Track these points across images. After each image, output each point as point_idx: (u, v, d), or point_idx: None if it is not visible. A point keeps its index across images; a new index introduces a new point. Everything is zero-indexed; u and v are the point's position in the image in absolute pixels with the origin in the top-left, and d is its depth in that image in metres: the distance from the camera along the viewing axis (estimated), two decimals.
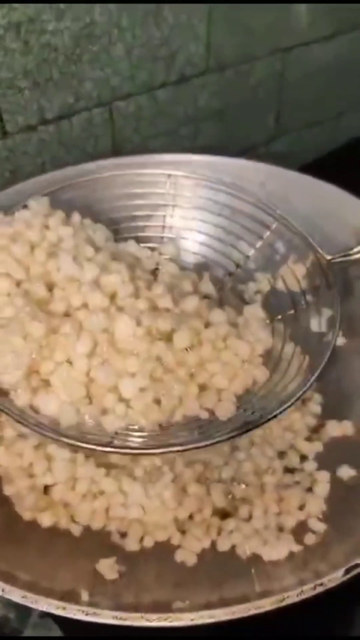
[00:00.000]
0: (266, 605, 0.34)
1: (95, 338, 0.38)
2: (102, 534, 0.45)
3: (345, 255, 0.47)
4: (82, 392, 0.38)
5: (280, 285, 0.49)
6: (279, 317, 0.47)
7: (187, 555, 0.43)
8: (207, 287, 0.47)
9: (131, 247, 0.49)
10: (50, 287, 0.40)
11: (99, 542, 0.44)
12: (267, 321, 0.45)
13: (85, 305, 0.39)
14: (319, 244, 0.50)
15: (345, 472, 0.47)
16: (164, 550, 0.44)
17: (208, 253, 0.51)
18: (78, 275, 0.40)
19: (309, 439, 0.51)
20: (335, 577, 0.34)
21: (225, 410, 0.40)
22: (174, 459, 0.47)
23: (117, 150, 0.67)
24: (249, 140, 0.85)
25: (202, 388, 0.40)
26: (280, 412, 0.39)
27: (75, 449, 0.48)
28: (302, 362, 0.43)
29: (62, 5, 0.57)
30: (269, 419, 0.38)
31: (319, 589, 0.34)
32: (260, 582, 0.39)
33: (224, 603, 0.35)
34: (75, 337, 0.37)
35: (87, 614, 0.34)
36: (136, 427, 0.39)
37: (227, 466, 0.48)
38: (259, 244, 0.49)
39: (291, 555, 0.41)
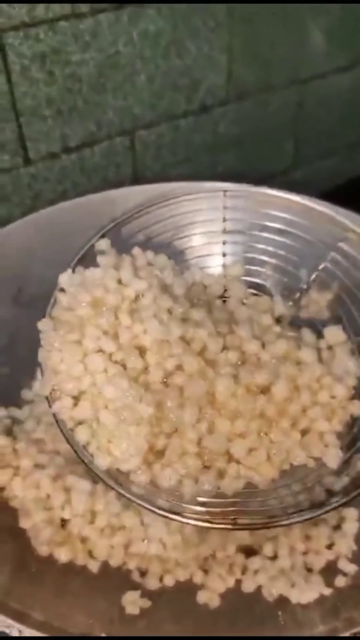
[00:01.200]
0: None
1: (198, 403, 0.38)
2: (121, 572, 0.43)
3: None
4: (196, 463, 0.38)
5: (355, 301, 0.47)
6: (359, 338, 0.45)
7: (209, 597, 0.41)
8: (280, 308, 0.47)
9: (196, 274, 0.49)
10: (141, 350, 0.39)
11: (117, 580, 0.43)
12: (350, 344, 0.44)
13: (179, 367, 0.39)
14: None
15: None
16: (186, 590, 0.42)
17: (269, 271, 0.50)
18: (166, 336, 0.39)
19: (335, 474, 0.49)
20: None
21: (333, 457, 0.40)
22: None
23: (138, 178, 0.68)
24: (267, 168, 0.85)
25: (304, 432, 0.40)
26: None
27: (96, 479, 0.47)
28: None
29: (87, 37, 0.58)
30: None
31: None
32: (288, 629, 0.37)
33: None
34: (180, 408, 0.37)
35: None
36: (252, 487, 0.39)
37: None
38: (329, 256, 0.47)
39: (321, 598, 0.39)
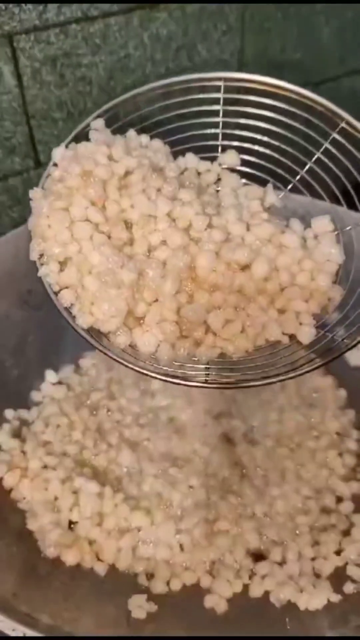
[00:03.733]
0: None
1: (179, 277, 0.39)
2: (128, 575, 0.43)
3: None
4: (175, 329, 0.39)
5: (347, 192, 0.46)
6: (349, 227, 0.44)
7: (217, 601, 0.41)
8: (271, 197, 0.46)
9: (190, 160, 0.48)
10: (127, 225, 0.41)
11: (124, 583, 0.42)
12: (336, 233, 0.44)
13: (164, 242, 0.40)
14: None
15: None
16: (193, 594, 0.42)
17: (267, 161, 0.48)
18: (153, 211, 0.41)
19: (345, 479, 0.49)
20: None
21: (306, 334, 0.40)
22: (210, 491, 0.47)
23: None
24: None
25: (281, 312, 0.41)
26: None
27: (102, 481, 0.47)
28: None
29: (97, 40, 0.58)
30: (355, 344, 0.38)
31: None
32: (296, 634, 0.36)
33: None
34: (161, 278, 0.39)
35: None
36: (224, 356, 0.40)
37: (260, 503, 0.46)
38: (322, 147, 0.47)
39: (329, 605, 0.38)
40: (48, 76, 0.57)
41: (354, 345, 0.38)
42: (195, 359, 0.39)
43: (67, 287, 0.39)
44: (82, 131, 0.46)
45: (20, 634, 0.34)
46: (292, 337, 0.40)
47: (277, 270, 0.41)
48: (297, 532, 0.45)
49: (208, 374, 0.39)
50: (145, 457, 0.50)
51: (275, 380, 0.38)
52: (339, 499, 0.48)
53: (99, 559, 0.44)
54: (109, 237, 0.40)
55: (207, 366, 0.39)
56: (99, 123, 0.45)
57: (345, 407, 0.54)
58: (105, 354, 0.38)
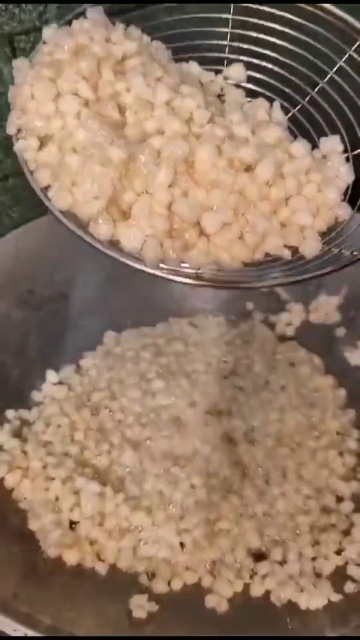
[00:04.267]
0: None
1: (175, 168, 0.35)
2: (129, 575, 0.43)
3: None
4: (164, 224, 0.34)
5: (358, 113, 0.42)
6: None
7: (217, 601, 0.41)
8: (278, 115, 0.41)
9: (193, 68, 0.43)
10: (121, 110, 0.36)
11: (125, 583, 0.43)
12: (346, 154, 0.40)
13: (160, 132, 0.36)
14: None
15: None
16: (194, 594, 0.42)
17: (276, 80, 0.44)
18: (150, 97, 0.36)
19: (345, 478, 0.49)
20: None
21: (311, 247, 0.36)
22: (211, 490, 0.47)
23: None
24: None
25: (284, 225, 0.37)
26: None
27: (103, 481, 0.48)
28: None
29: None
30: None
31: None
32: (296, 634, 0.36)
33: None
34: (154, 166, 0.34)
35: None
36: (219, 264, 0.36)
37: (260, 502, 0.46)
38: (337, 66, 0.42)
39: (330, 604, 0.38)
40: None
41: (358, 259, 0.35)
42: (185, 264, 0.35)
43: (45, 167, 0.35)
44: (77, 17, 0.40)
45: (22, 634, 0.34)
46: (294, 253, 0.36)
47: (282, 177, 0.37)
48: (298, 531, 0.45)
49: (199, 273, 0.35)
50: (147, 457, 0.50)
51: (273, 283, 0.35)
52: (340, 499, 0.48)
53: (100, 559, 0.44)
54: (99, 116, 0.35)
55: (198, 271, 0.35)
56: (98, 8, 0.40)
57: (345, 406, 0.54)
58: (84, 240, 0.34)
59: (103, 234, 0.34)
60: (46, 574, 0.42)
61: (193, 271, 0.34)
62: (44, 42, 0.38)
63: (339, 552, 0.43)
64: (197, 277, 0.34)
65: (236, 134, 0.38)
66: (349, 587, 0.40)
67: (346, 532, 0.45)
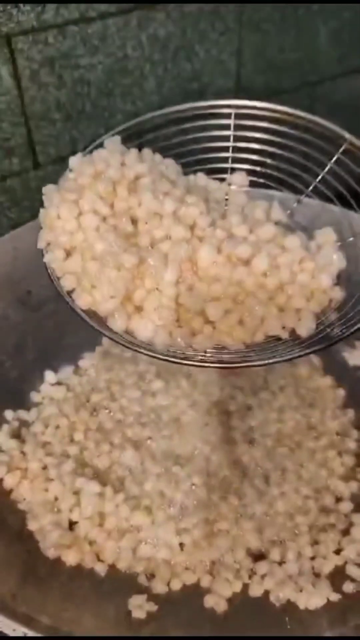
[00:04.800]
0: None
1: (180, 267, 0.40)
2: (128, 575, 0.43)
3: None
4: (172, 316, 0.40)
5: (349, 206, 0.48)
6: (351, 238, 0.46)
7: (216, 601, 0.41)
8: (277, 213, 0.48)
9: (201, 179, 0.50)
10: (134, 222, 0.42)
11: (125, 583, 0.43)
12: (339, 243, 0.45)
13: (167, 237, 0.42)
14: None
15: None
16: (193, 593, 0.42)
17: (275, 182, 0.51)
18: (159, 209, 0.42)
19: (344, 478, 0.49)
20: None
21: (305, 327, 0.40)
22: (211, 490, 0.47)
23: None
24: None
25: (282, 309, 0.42)
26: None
27: (103, 481, 0.48)
28: None
29: (95, 41, 0.58)
30: (352, 332, 0.39)
31: None
32: (295, 633, 0.36)
33: None
34: (162, 266, 0.40)
35: None
36: (221, 347, 0.40)
37: (260, 502, 0.46)
38: (327, 167, 0.49)
39: (329, 604, 0.38)
40: (46, 77, 0.57)
41: (346, 336, 0.39)
42: (192, 349, 0.39)
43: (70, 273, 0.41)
44: (96, 147, 0.48)
45: (21, 634, 0.34)
46: (290, 334, 0.41)
47: (277, 267, 0.42)
48: (297, 531, 0.45)
49: (205, 356, 0.39)
50: (148, 456, 0.50)
51: (272, 361, 0.38)
52: (339, 499, 0.48)
53: (99, 559, 0.44)
54: (115, 229, 0.41)
55: (205, 354, 0.39)
56: (115, 138, 0.47)
57: (344, 406, 0.54)
58: (102, 333, 0.39)
59: (119, 327, 0.39)
60: (45, 574, 0.42)
61: (200, 354, 0.39)
62: (70, 170, 0.44)
63: (338, 552, 0.43)
64: (202, 360, 0.38)
65: (235, 234, 0.43)
66: (348, 586, 0.40)
67: (345, 532, 0.45)
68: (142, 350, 0.38)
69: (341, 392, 0.55)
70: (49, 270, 0.41)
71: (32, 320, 0.55)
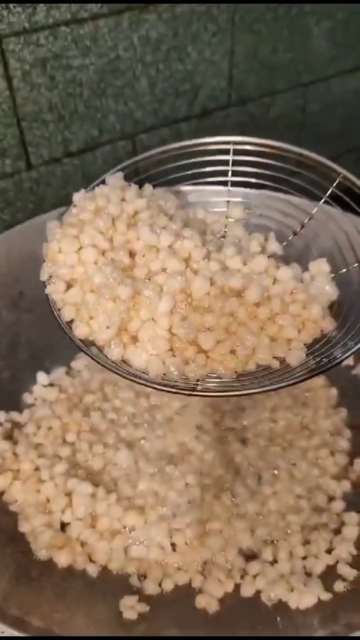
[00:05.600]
0: None
1: (174, 298, 0.42)
2: (120, 576, 0.43)
3: None
4: (166, 345, 0.41)
5: (343, 239, 0.50)
6: (344, 270, 0.47)
7: (208, 601, 0.41)
8: (273, 246, 0.49)
9: (199, 212, 0.52)
10: (132, 255, 0.44)
11: (117, 584, 0.43)
12: (332, 275, 0.46)
13: (163, 270, 0.43)
14: None
15: None
16: (185, 594, 0.42)
17: (272, 214, 0.53)
18: (155, 242, 0.43)
19: (336, 477, 0.49)
20: None
21: (296, 357, 0.41)
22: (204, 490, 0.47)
23: (141, 181, 0.68)
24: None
25: (273, 339, 0.43)
26: (346, 357, 0.40)
27: (96, 482, 0.48)
28: None
29: (87, 42, 0.58)
30: (336, 364, 0.40)
31: None
32: (286, 631, 0.36)
33: None
34: (157, 298, 0.41)
35: None
36: (215, 375, 0.41)
37: (252, 501, 0.46)
38: (322, 200, 0.51)
39: (320, 603, 0.39)
40: (38, 78, 0.57)
41: (332, 366, 0.40)
42: (185, 377, 0.40)
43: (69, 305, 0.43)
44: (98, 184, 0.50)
45: (9, 635, 0.34)
46: (281, 362, 0.42)
47: (269, 298, 0.43)
48: (289, 531, 0.45)
49: (197, 383, 0.40)
50: (141, 456, 0.50)
51: (260, 390, 0.39)
52: (331, 498, 0.48)
53: (91, 560, 0.44)
54: (112, 262, 0.43)
55: (197, 382, 0.40)
56: (118, 175, 0.50)
57: (337, 405, 0.55)
58: (98, 362, 0.40)
59: (115, 356, 0.40)
60: (37, 575, 0.42)
61: (193, 383, 0.40)
62: (74, 205, 0.46)
63: (329, 551, 0.43)
64: (193, 389, 0.40)
65: (229, 266, 0.44)
66: (339, 586, 0.40)
67: (337, 531, 0.45)
68: (137, 380, 0.40)
69: (334, 392, 0.55)
70: (50, 302, 0.43)
71: (24, 321, 0.55)
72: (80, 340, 0.41)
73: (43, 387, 0.55)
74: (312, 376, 0.40)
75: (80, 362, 0.58)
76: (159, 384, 0.39)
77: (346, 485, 0.48)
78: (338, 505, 0.47)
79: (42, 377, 0.56)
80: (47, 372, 0.56)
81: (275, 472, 0.49)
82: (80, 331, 0.41)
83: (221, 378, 0.41)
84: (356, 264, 0.47)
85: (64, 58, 0.58)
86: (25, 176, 0.62)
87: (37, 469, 0.48)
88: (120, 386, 0.56)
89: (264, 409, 0.54)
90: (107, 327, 0.41)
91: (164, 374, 0.40)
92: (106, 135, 0.66)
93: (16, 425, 0.52)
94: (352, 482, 0.48)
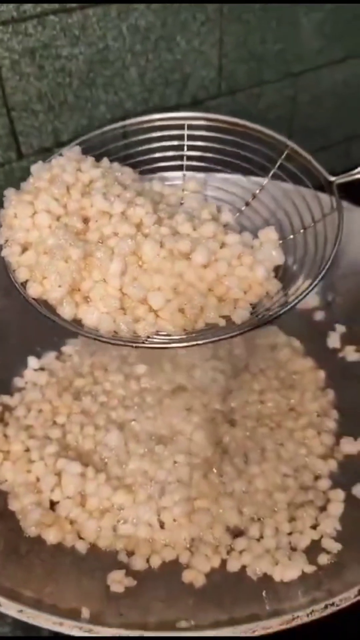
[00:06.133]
0: (274, 625, 0.32)
1: (125, 260, 0.44)
2: (108, 553, 0.44)
3: (347, 176, 0.52)
4: (116, 304, 0.43)
5: (290, 208, 0.53)
6: (291, 237, 0.51)
7: (195, 576, 0.42)
8: (226, 216, 0.52)
9: (156, 185, 0.55)
10: (85, 221, 0.46)
11: (105, 560, 0.43)
12: (280, 241, 0.50)
13: (115, 234, 0.45)
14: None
15: None
16: (172, 570, 0.43)
17: (227, 187, 0.56)
18: (108, 209, 0.46)
19: (323, 457, 0.50)
20: (347, 597, 0.32)
21: (240, 315, 0.44)
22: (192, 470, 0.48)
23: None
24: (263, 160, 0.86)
25: (221, 300, 0.46)
26: (283, 312, 0.44)
27: (85, 462, 0.48)
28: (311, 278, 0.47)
29: (76, 31, 0.59)
30: (275, 318, 0.44)
31: (330, 609, 0.32)
32: (270, 603, 0.37)
33: (231, 623, 0.33)
34: (108, 260, 0.44)
35: (82, 630, 0.32)
36: (165, 333, 0.44)
37: (240, 480, 0.47)
38: (271, 172, 0.54)
39: (304, 575, 0.39)
40: (27, 68, 0.58)
41: (274, 318, 0.44)
42: (136, 335, 0.43)
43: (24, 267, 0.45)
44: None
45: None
46: (227, 320, 0.44)
47: (217, 261, 0.46)
48: (275, 508, 0.46)
49: (147, 340, 0.43)
50: (131, 437, 0.51)
51: (201, 342, 0.42)
52: (317, 477, 0.48)
53: (80, 538, 0.45)
54: (66, 226, 0.45)
55: (147, 338, 0.43)
56: (75, 148, 0.52)
57: (324, 387, 0.55)
58: (51, 319, 0.43)
59: (67, 314, 0.43)
60: (26, 552, 0.43)
61: (142, 339, 0.43)
62: (31, 174, 0.49)
63: (314, 527, 0.44)
64: (142, 342, 0.43)
65: (179, 231, 0.47)
66: (323, 558, 0.41)
67: (322, 509, 0.45)
68: (89, 335, 0.42)
69: (321, 374, 0.56)
70: (6, 264, 0.45)
71: (14, 307, 0.55)
72: (34, 299, 0.44)
73: (34, 371, 0.56)
74: (252, 329, 0.43)
75: (70, 347, 0.59)
76: (109, 338, 0.42)
77: (332, 464, 0.49)
78: (324, 483, 0.47)
79: (32, 361, 0.56)
80: (38, 356, 0.57)
81: (263, 452, 0.50)
82: (33, 290, 0.43)
83: (170, 335, 0.43)
84: (302, 230, 0.51)
85: (52, 47, 0.59)
86: (17, 166, 0.63)
87: (27, 450, 0.49)
88: (110, 370, 0.57)
89: (252, 391, 0.55)
90: (59, 286, 0.43)
91: (115, 332, 0.43)
92: (96, 125, 0.66)
93: (7, 408, 0.53)
94: (338, 461, 0.49)
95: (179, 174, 0.57)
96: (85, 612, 0.36)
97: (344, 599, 0.32)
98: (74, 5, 0.57)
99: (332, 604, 0.32)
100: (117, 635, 0.32)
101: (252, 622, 0.32)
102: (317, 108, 0.87)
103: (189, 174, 0.57)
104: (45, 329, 0.57)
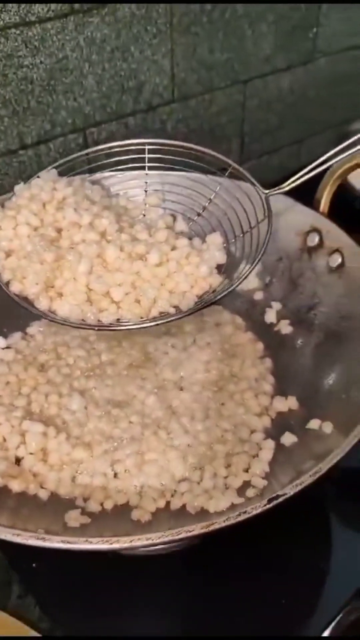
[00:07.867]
0: (196, 529, 0.38)
1: (91, 261, 0.55)
2: (67, 499, 0.50)
3: (277, 190, 0.62)
4: (84, 297, 0.54)
5: (233, 216, 0.63)
6: (233, 240, 0.61)
7: (142, 514, 0.48)
8: (181, 225, 0.64)
9: (122, 200, 0.66)
10: (59, 231, 0.57)
11: (64, 505, 0.49)
12: (224, 244, 0.60)
13: (84, 241, 0.56)
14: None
15: (288, 438, 0.52)
16: (122, 510, 0.49)
17: (182, 201, 0.66)
18: (78, 220, 0.57)
19: (259, 415, 0.56)
20: (257, 506, 0.39)
21: (186, 304, 0.56)
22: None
23: (92, 170, 0.75)
24: (215, 165, 0.92)
25: (172, 292, 0.57)
26: (222, 295, 0.55)
27: (47, 424, 0.54)
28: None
29: (36, 43, 0.65)
30: (210, 303, 0.55)
31: (243, 516, 0.38)
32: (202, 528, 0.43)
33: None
34: (77, 261, 0.54)
35: (37, 539, 0.38)
36: (125, 320, 0.55)
37: (185, 435, 0.53)
38: (217, 188, 0.65)
39: (232, 506, 0.45)
40: None
41: (207, 305, 0.55)
42: (100, 322, 0.54)
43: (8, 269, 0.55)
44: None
45: None
46: (177, 309, 0.55)
47: (168, 261, 0.57)
48: (215, 458, 0.52)
49: (110, 325, 0.54)
50: (91, 402, 0.57)
51: (151, 324, 0.54)
52: (253, 431, 0.55)
53: (42, 487, 0.50)
54: (42, 235, 0.56)
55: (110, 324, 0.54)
56: (52, 171, 0.62)
57: (263, 357, 0.62)
58: (30, 310, 0.54)
59: (43, 307, 0.54)
60: None
61: (106, 325, 0.54)
62: (14, 193, 0.59)
63: (246, 470, 0.50)
64: (109, 326, 0.54)
65: (138, 237, 0.58)
66: (250, 492, 0.47)
67: (255, 456, 0.52)
68: (61, 321, 0.54)
69: (260, 345, 0.63)
70: None
71: None
72: (16, 295, 0.54)
73: (1, 349, 0.62)
74: (194, 312, 0.55)
75: (34, 328, 0.64)
76: (78, 323, 0.54)
77: (266, 421, 0.55)
78: (258, 436, 0.54)
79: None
80: (5, 337, 0.63)
81: (207, 411, 0.56)
82: (15, 287, 0.54)
83: (129, 322, 0.54)
84: (241, 235, 0.61)
85: (15, 57, 0.65)
86: None
87: None
88: (72, 346, 0.62)
89: (199, 362, 0.61)
90: (36, 284, 0.54)
91: (83, 320, 0.54)
92: (58, 129, 0.73)
93: None
94: (271, 418, 0.56)
95: (142, 189, 0.67)
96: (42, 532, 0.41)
97: (254, 508, 0.39)
98: (33, 19, 0.64)
99: (245, 512, 0.38)
100: (67, 548, 0.38)
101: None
102: (265, 113, 0.94)
103: (150, 189, 0.67)
104: (11, 313, 0.63)
